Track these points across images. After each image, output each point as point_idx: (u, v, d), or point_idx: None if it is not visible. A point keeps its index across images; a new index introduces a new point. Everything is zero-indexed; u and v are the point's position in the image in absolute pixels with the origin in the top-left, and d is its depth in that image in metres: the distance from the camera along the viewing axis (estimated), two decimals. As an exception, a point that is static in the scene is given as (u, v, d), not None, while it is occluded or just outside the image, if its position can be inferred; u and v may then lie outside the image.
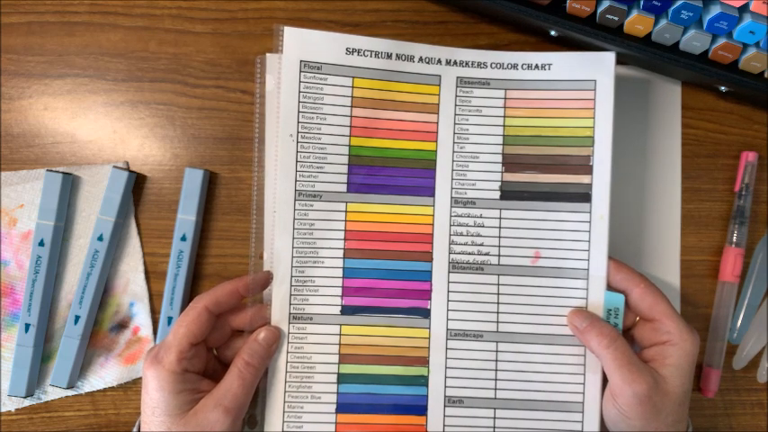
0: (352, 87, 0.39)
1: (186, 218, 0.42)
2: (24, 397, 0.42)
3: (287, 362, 0.39)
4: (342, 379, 0.39)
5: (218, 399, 0.36)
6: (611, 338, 0.37)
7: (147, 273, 0.43)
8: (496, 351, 0.40)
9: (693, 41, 0.40)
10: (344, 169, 0.40)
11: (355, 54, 0.39)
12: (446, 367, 0.40)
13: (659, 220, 0.44)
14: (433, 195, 0.40)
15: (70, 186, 0.43)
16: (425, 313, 0.40)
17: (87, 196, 0.43)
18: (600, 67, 0.40)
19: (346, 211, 0.40)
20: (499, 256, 0.40)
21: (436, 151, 0.40)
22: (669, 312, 0.38)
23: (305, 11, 0.44)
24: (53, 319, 0.43)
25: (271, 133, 0.41)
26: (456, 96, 0.40)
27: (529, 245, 0.40)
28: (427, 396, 0.40)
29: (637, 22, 0.39)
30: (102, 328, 0.43)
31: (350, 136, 0.40)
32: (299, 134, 0.39)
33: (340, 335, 0.39)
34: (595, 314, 0.39)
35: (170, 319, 0.42)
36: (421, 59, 0.40)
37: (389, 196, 0.40)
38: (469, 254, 0.40)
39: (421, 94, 0.40)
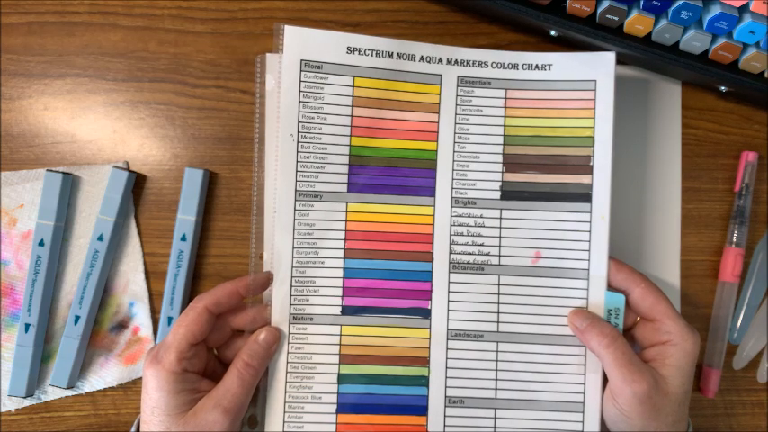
0: (353, 87, 0.39)
1: (186, 218, 0.42)
2: (24, 397, 0.42)
3: (287, 362, 0.39)
4: (342, 379, 0.39)
5: (218, 399, 0.36)
6: (612, 338, 0.37)
7: (147, 273, 0.43)
8: (497, 351, 0.40)
9: (693, 41, 0.40)
10: (345, 169, 0.40)
11: (356, 53, 0.39)
12: (446, 367, 0.40)
13: (659, 220, 0.44)
14: (433, 195, 0.40)
15: (70, 186, 0.43)
16: (426, 313, 0.40)
17: (87, 196, 0.43)
18: (600, 67, 0.40)
19: (347, 212, 0.40)
20: (500, 256, 0.40)
21: (437, 151, 0.40)
22: (670, 312, 0.38)
23: (305, 11, 0.44)
24: (53, 319, 0.43)
25: (271, 133, 0.41)
26: (457, 96, 0.40)
27: (529, 245, 0.40)
28: (428, 396, 0.40)
29: (637, 22, 0.39)
30: (102, 328, 0.43)
31: (350, 136, 0.40)
32: (300, 134, 0.39)
33: (340, 335, 0.39)
34: (596, 314, 0.39)
35: (170, 319, 0.42)
36: (422, 59, 0.40)
37: (390, 196, 0.40)
38: (470, 254, 0.40)
39: (422, 94, 0.40)
